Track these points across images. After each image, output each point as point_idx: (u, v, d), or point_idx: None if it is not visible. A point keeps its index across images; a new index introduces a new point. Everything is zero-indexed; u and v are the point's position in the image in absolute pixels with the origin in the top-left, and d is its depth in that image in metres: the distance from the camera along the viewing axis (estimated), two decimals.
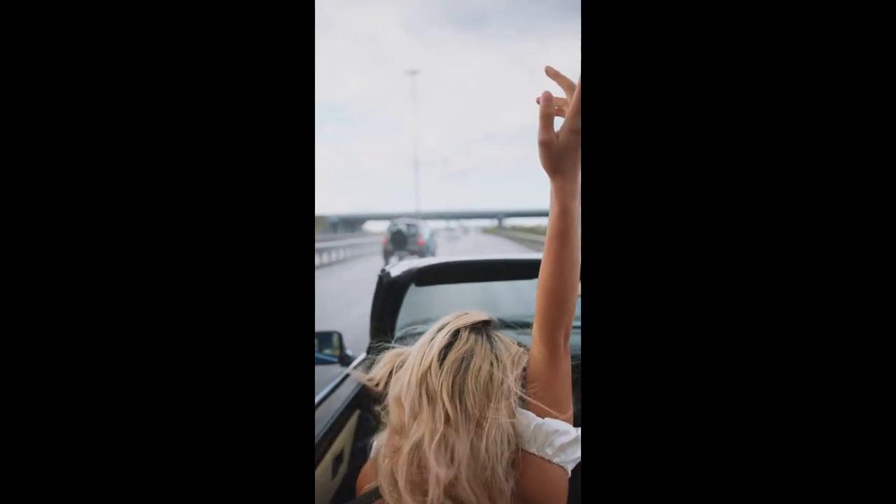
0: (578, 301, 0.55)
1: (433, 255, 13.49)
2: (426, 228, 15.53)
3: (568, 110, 0.57)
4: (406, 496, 0.59)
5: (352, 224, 55.29)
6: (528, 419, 0.64)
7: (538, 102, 0.58)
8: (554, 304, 0.62)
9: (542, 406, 0.64)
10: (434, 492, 0.57)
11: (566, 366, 0.66)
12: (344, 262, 15.94)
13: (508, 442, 0.61)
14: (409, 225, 14.59)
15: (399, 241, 14.10)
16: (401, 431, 0.63)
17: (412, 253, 13.38)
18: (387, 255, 13.95)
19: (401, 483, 0.60)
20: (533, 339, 0.67)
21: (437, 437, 0.59)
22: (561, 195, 0.58)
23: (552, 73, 0.62)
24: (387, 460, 0.63)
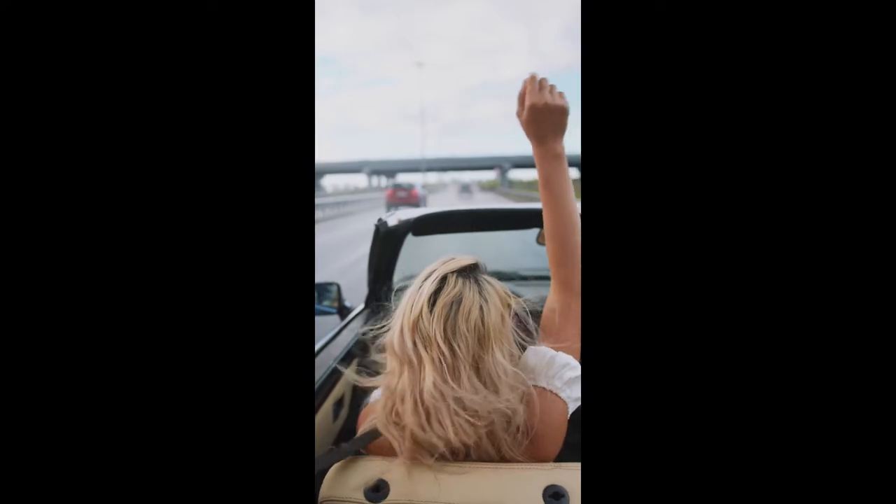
0: None
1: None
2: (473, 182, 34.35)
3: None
4: (408, 433, 0.61)
5: None
6: (543, 353, 0.67)
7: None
8: (558, 246, 0.74)
9: (557, 341, 0.68)
10: (437, 429, 0.59)
11: (578, 305, 0.70)
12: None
13: (512, 377, 0.63)
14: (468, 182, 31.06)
15: (464, 188, 28.80)
16: (397, 375, 0.64)
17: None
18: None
19: (406, 422, 0.61)
20: (551, 278, 0.76)
21: (436, 379, 0.60)
22: (538, 154, 0.75)
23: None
24: (387, 402, 0.64)
